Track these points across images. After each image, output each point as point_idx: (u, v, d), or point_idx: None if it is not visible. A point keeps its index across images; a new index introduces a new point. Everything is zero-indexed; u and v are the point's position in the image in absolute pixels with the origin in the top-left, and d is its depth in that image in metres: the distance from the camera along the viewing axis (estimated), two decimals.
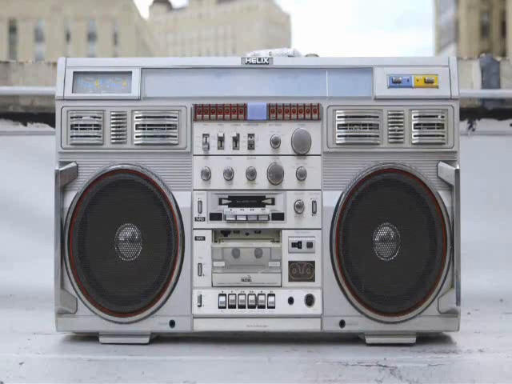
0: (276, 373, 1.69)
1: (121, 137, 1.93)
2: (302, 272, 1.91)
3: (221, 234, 1.93)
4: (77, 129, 1.93)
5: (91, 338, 1.93)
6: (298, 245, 1.91)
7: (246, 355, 1.82)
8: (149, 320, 1.91)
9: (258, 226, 1.91)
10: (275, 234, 1.93)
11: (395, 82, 1.93)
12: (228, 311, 1.91)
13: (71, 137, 1.93)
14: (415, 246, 1.90)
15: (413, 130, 1.92)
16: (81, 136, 1.93)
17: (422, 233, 1.90)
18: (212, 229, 1.92)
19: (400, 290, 1.90)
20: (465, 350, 1.86)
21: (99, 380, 1.63)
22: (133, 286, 1.90)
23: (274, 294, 1.91)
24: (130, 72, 1.95)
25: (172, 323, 1.91)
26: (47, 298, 2.09)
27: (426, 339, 1.87)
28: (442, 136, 1.92)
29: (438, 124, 1.92)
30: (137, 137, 1.92)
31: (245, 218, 1.90)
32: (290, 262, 1.91)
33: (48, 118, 2.84)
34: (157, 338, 1.95)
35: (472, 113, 2.83)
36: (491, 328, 2.12)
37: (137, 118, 1.93)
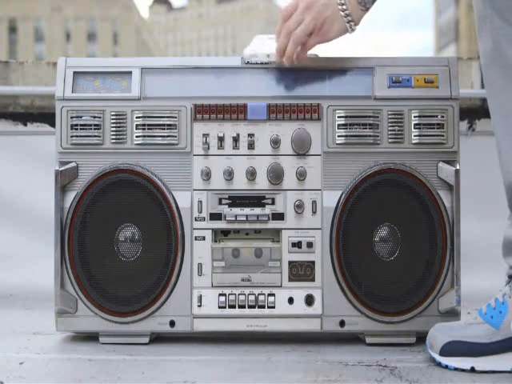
0: (276, 373, 1.69)
1: (121, 137, 1.93)
2: (301, 272, 1.91)
3: (221, 234, 1.93)
4: (77, 129, 1.93)
5: (91, 337, 1.93)
6: (297, 245, 1.91)
7: (245, 355, 1.82)
8: (149, 320, 1.91)
9: (258, 225, 1.92)
10: (275, 234, 1.93)
11: (395, 82, 1.93)
12: (228, 311, 1.91)
13: (71, 137, 1.93)
14: (415, 246, 1.90)
15: (413, 129, 1.92)
16: (81, 136, 1.93)
17: (422, 233, 1.90)
18: (212, 229, 1.92)
19: (400, 290, 1.90)
20: None
21: (99, 380, 1.63)
22: (133, 286, 1.90)
23: (273, 294, 1.91)
24: (130, 72, 1.95)
25: (172, 323, 1.91)
26: (47, 297, 2.08)
27: (425, 339, 1.87)
28: (442, 136, 1.92)
29: (438, 124, 1.92)
30: (137, 137, 1.93)
31: (245, 218, 1.90)
32: (290, 262, 1.91)
33: (48, 117, 2.84)
34: (157, 338, 1.95)
35: (472, 113, 2.83)
36: None
37: (137, 117, 1.93)
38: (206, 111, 1.92)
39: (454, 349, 1.68)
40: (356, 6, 1.84)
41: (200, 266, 1.91)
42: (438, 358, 1.70)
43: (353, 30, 1.87)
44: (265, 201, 1.91)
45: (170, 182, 1.92)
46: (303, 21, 1.85)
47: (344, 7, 1.84)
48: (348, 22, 1.85)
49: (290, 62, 1.89)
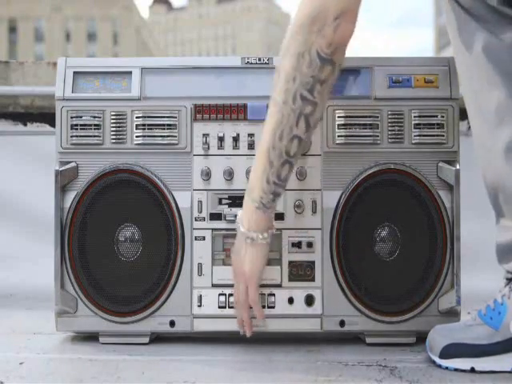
0: (276, 373, 1.69)
1: (121, 137, 1.93)
2: (301, 272, 1.91)
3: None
4: (77, 129, 1.93)
5: (91, 337, 1.93)
6: (297, 245, 1.91)
7: (246, 355, 1.82)
8: (149, 320, 1.91)
9: None
10: (275, 234, 1.92)
11: (395, 82, 1.93)
12: (228, 311, 1.91)
13: (71, 137, 1.93)
14: (415, 246, 1.90)
15: (413, 129, 1.92)
16: (81, 136, 1.93)
17: (422, 233, 1.90)
18: (212, 229, 1.91)
19: (400, 290, 1.90)
20: None
21: (99, 380, 1.63)
22: (133, 286, 1.90)
23: (273, 294, 1.91)
24: (130, 72, 1.95)
25: (172, 323, 1.91)
26: (47, 297, 2.08)
27: (425, 339, 1.87)
28: (442, 136, 1.92)
29: (438, 124, 1.92)
30: (137, 137, 1.93)
31: None
32: (290, 262, 1.91)
33: (48, 117, 2.84)
34: (157, 338, 1.95)
35: None
36: None
37: (137, 117, 1.93)
38: (206, 111, 1.92)
39: (453, 351, 1.68)
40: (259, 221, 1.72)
41: (200, 265, 1.91)
42: (438, 361, 1.70)
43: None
44: None
45: (170, 182, 1.92)
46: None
47: (243, 230, 1.71)
48: (251, 239, 1.71)
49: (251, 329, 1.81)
